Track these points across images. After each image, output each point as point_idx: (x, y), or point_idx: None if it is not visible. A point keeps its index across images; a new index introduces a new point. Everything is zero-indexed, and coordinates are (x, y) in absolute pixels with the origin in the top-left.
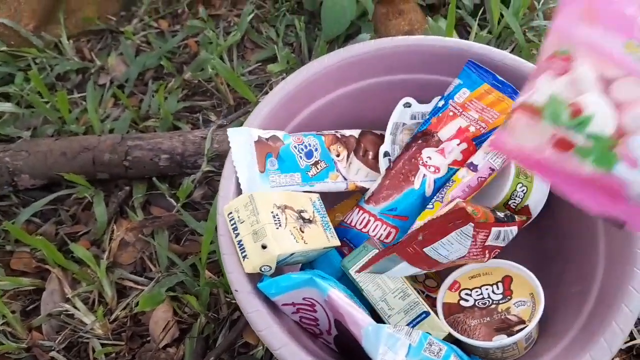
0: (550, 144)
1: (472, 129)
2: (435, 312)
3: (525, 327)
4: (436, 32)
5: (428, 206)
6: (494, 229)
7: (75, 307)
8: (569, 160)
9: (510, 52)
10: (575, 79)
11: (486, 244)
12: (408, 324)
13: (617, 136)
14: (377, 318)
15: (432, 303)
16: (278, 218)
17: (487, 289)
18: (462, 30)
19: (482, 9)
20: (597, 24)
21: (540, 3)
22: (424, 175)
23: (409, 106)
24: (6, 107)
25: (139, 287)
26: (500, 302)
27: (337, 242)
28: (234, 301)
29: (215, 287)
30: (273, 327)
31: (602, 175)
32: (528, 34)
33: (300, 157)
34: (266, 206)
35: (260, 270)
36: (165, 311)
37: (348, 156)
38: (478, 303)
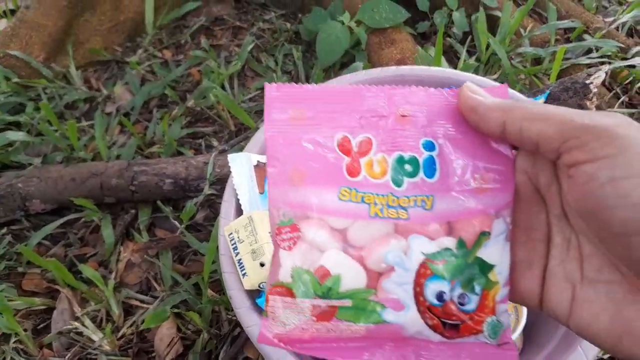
0: (314, 317)
1: None
2: None
3: None
4: (426, 60)
5: None
6: None
7: (84, 325)
8: (338, 326)
9: (497, 79)
10: (309, 243)
11: None
12: None
13: (371, 283)
14: None
15: None
16: None
17: None
18: (452, 57)
19: (471, 36)
20: (307, 184)
21: (527, 30)
22: None
23: None
24: (19, 135)
25: (145, 305)
26: None
27: None
28: (235, 318)
29: (217, 305)
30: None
31: (378, 328)
32: (514, 60)
33: None
34: (264, 226)
35: (259, 286)
36: (170, 328)
37: None
38: None
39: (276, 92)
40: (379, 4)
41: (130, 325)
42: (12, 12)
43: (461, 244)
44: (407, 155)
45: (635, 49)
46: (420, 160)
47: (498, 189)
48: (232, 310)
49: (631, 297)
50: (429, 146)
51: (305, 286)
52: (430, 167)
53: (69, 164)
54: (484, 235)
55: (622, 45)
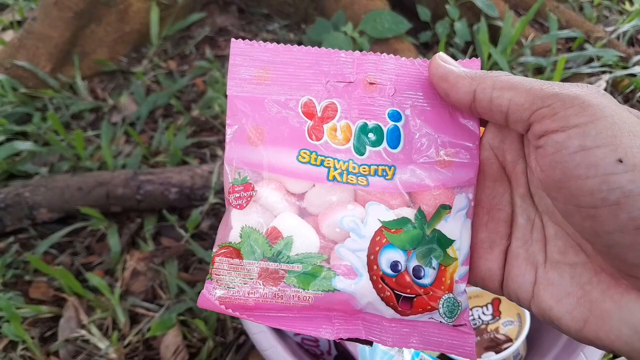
0: (260, 281)
1: None
2: None
3: (512, 345)
4: None
5: None
6: None
7: (91, 333)
8: (286, 292)
9: None
10: (263, 205)
11: None
12: None
13: (324, 250)
14: None
15: None
16: None
17: (477, 310)
18: None
19: (473, 46)
20: (267, 144)
21: (528, 40)
22: None
23: None
24: (27, 145)
25: (151, 313)
26: (490, 322)
27: None
28: (240, 326)
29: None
30: (277, 347)
31: (327, 297)
32: (516, 69)
33: None
34: None
35: None
36: (176, 336)
37: None
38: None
39: (243, 48)
40: (381, 14)
41: (137, 333)
42: (19, 23)
43: (420, 214)
44: (371, 123)
45: (636, 58)
46: (385, 130)
47: (462, 164)
48: (238, 318)
49: (596, 278)
50: (395, 116)
51: (253, 247)
52: (394, 138)
53: (75, 174)
54: (444, 208)
55: (623, 55)
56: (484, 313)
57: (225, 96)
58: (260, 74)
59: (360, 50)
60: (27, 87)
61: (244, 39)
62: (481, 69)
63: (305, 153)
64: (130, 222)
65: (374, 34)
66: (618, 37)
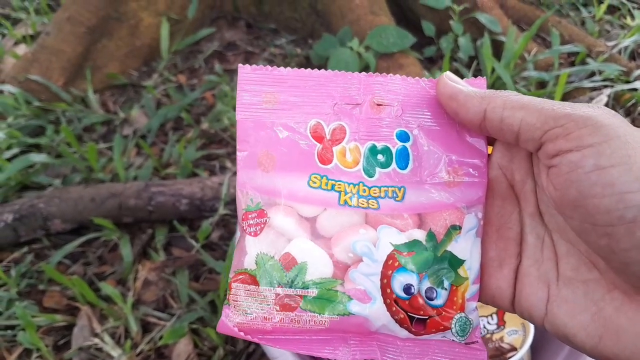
0: (277, 306)
1: None
2: None
3: (516, 354)
4: None
5: None
6: None
7: (104, 342)
8: (302, 317)
9: None
10: (276, 230)
11: None
12: None
13: (338, 274)
14: None
15: None
16: None
17: (482, 320)
18: None
19: (476, 61)
20: (277, 169)
21: (531, 55)
22: None
23: None
24: (40, 157)
25: (162, 322)
26: (495, 331)
27: None
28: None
29: None
30: (286, 354)
31: (343, 321)
32: (519, 84)
33: None
34: None
35: None
36: (187, 344)
37: None
38: None
39: (249, 75)
40: (386, 29)
41: (149, 342)
42: (32, 37)
43: (431, 236)
44: (380, 145)
45: (637, 72)
46: (394, 151)
47: (471, 184)
48: None
49: (609, 295)
50: (403, 137)
51: (269, 274)
52: (403, 158)
53: (88, 185)
54: (454, 229)
55: (625, 69)
56: (488, 322)
57: (234, 109)
58: (268, 99)
59: (366, 65)
60: (40, 100)
61: (252, 53)
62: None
63: (316, 178)
64: (141, 233)
65: (379, 48)
66: (620, 52)
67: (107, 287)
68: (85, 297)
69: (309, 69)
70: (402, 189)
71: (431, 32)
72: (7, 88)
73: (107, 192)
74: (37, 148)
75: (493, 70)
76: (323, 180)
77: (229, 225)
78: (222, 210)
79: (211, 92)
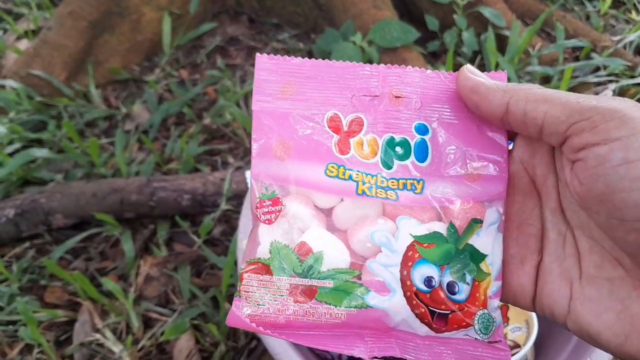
0: (291, 297)
1: None
2: None
3: (520, 351)
4: None
5: None
6: None
7: (105, 337)
8: (317, 310)
9: None
10: (291, 219)
11: None
12: None
13: (355, 265)
14: None
15: None
16: None
17: None
18: None
19: (480, 55)
20: (293, 158)
21: (535, 49)
22: None
23: None
24: (42, 152)
25: (164, 318)
26: None
27: None
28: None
29: None
30: (289, 351)
31: (360, 314)
32: (523, 79)
33: None
34: None
35: None
36: (188, 340)
37: None
38: None
39: (266, 64)
40: (389, 24)
41: (150, 337)
42: (34, 32)
43: (452, 229)
44: (398, 137)
45: None
46: (412, 144)
47: (491, 178)
48: None
49: (635, 293)
50: (422, 129)
51: (284, 263)
52: (422, 151)
53: (90, 180)
54: (475, 222)
55: (630, 64)
56: None
57: (237, 104)
58: (285, 89)
59: (369, 59)
60: (42, 95)
61: (254, 48)
62: None
63: (333, 167)
64: (143, 228)
65: (382, 43)
66: (625, 47)
67: (109, 283)
68: (87, 293)
69: (326, 60)
70: (420, 181)
71: (435, 26)
72: (9, 83)
73: (109, 187)
74: (39, 143)
75: (497, 64)
76: (340, 169)
77: (231, 221)
78: (224, 206)
79: (213, 87)
